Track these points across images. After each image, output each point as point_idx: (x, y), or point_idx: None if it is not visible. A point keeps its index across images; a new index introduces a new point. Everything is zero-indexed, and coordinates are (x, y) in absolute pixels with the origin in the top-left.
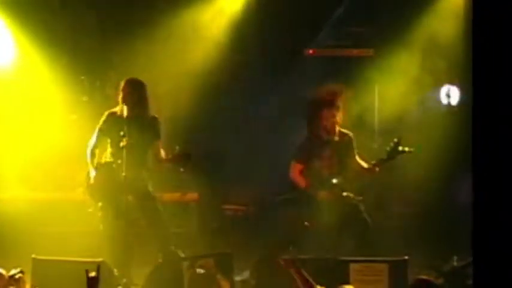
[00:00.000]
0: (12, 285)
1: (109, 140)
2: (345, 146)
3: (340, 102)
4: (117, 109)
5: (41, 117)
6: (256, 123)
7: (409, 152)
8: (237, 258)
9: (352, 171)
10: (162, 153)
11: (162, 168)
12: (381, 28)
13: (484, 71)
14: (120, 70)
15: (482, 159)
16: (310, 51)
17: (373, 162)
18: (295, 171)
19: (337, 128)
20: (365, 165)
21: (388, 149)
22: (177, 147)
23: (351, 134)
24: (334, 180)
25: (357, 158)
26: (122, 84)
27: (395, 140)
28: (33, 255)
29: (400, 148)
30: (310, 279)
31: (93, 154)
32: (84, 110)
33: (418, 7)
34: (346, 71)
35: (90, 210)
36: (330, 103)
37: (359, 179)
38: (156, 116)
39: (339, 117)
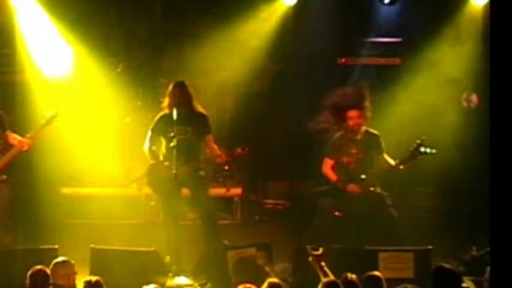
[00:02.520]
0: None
1: (162, 139)
2: (372, 144)
3: (365, 103)
4: (167, 111)
5: (99, 120)
6: (292, 126)
7: (431, 153)
8: (276, 248)
9: (378, 168)
10: (216, 148)
11: (215, 161)
12: (407, 38)
13: (501, 78)
14: (169, 77)
15: (499, 157)
16: (343, 60)
17: (396, 161)
18: (326, 166)
19: (364, 128)
20: (392, 162)
21: (411, 149)
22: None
23: (378, 133)
24: (363, 176)
25: (385, 156)
26: (170, 87)
27: (418, 141)
28: (91, 245)
29: (423, 149)
30: (332, 276)
31: (151, 152)
32: (137, 114)
33: (441, 20)
34: (375, 78)
35: (152, 203)
36: (356, 105)
37: (385, 175)
38: (204, 111)
39: (365, 117)
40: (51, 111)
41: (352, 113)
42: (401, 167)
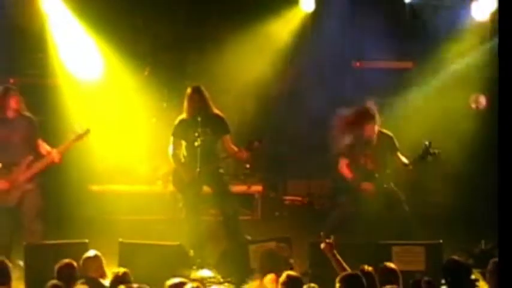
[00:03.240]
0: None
1: (183, 142)
2: (385, 145)
3: (377, 116)
4: (184, 114)
5: (127, 121)
6: (310, 127)
7: (438, 153)
8: (295, 242)
9: (392, 167)
10: (233, 146)
11: (236, 157)
12: (418, 43)
13: (508, 81)
14: (193, 80)
15: (506, 157)
16: (357, 64)
17: (407, 162)
18: (342, 165)
19: (377, 130)
20: (406, 161)
21: (420, 151)
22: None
23: (391, 134)
24: (376, 175)
25: (399, 154)
26: (189, 91)
27: (426, 143)
28: (120, 239)
29: (431, 150)
30: (344, 264)
31: (174, 156)
32: (163, 115)
33: (451, 26)
34: (388, 80)
35: (180, 205)
36: (370, 119)
37: (400, 173)
38: (220, 113)
39: (378, 125)
40: (83, 127)
41: (368, 127)
42: (411, 167)
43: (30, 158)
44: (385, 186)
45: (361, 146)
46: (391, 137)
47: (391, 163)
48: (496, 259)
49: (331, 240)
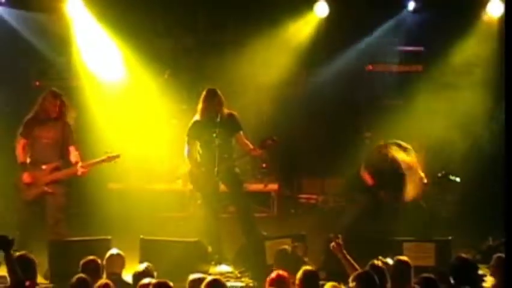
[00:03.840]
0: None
1: (197, 142)
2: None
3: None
4: (199, 116)
5: (148, 122)
6: (324, 128)
7: (455, 181)
8: (310, 238)
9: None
10: (249, 143)
11: (250, 155)
12: (428, 47)
13: None
14: (212, 82)
15: None
16: (370, 67)
17: (425, 181)
18: (364, 173)
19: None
20: (425, 180)
21: (439, 175)
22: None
23: (409, 146)
24: None
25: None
26: (204, 93)
27: (443, 172)
28: (141, 236)
29: (450, 177)
30: (354, 263)
31: (190, 157)
32: (182, 116)
33: (460, 30)
34: (399, 83)
35: (198, 202)
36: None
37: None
38: (232, 112)
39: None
40: (114, 153)
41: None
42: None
43: (57, 163)
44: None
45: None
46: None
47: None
48: (499, 254)
49: (339, 241)
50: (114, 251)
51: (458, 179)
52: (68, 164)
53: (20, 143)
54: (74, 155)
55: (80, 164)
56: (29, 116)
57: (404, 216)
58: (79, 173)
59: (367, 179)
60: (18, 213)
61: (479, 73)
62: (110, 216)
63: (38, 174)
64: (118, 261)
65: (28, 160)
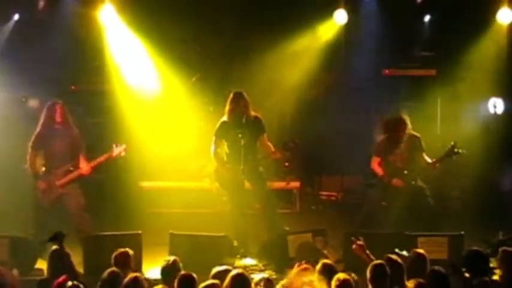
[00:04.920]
0: None
1: (224, 142)
2: (414, 145)
3: (408, 123)
4: (226, 117)
5: (177, 124)
6: (343, 128)
7: (463, 153)
8: (330, 233)
9: (419, 165)
10: (271, 146)
11: (272, 157)
12: (442, 52)
13: None
14: (238, 86)
15: None
16: (387, 71)
17: (434, 159)
18: (374, 163)
19: (408, 133)
20: (429, 160)
21: (446, 149)
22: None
23: (419, 135)
24: (405, 171)
25: (424, 155)
26: (231, 96)
27: (452, 143)
28: (170, 231)
29: (456, 150)
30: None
31: (216, 156)
32: (209, 118)
33: (471, 36)
34: (414, 87)
35: (224, 198)
36: (403, 125)
37: (425, 171)
38: (257, 114)
39: (408, 129)
40: (119, 146)
41: (400, 132)
42: (438, 164)
43: (68, 166)
44: (412, 182)
45: (392, 146)
46: (419, 138)
47: (418, 162)
48: (504, 248)
49: (361, 242)
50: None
51: (464, 151)
52: (78, 167)
53: (32, 155)
54: (82, 160)
55: (85, 164)
56: (37, 129)
57: (415, 212)
58: (83, 172)
59: (377, 169)
60: (35, 218)
61: (490, 75)
62: (141, 213)
63: (52, 179)
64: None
65: (42, 169)
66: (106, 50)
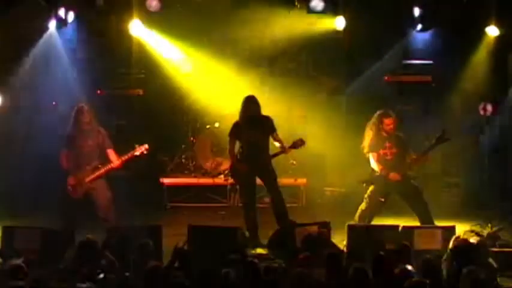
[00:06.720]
0: None
1: (238, 141)
2: (399, 143)
3: (396, 117)
4: (239, 119)
5: (196, 124)
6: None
7: (448, 139)
8: (334, 225)
9: (408, 160)
10: (282, 141)
11: (281, 153)
12: (437, 59)
13: None
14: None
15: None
16: (386, 78)
17: (423, 150)
18: (373, 159)
19: (394, 131)
20: (414, 156)
21: (436, 136)
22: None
23: (402, 135)
24: (396, 162)
25: (411, 151)
26: (244, 100)
27: (443, 129)
28: (189, 223)
29: (445, 137)
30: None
31: (231, 152)
32: (224, 120)
33: (463, 45)
34: (410, 92)
35: (238, 194)
36: (388, 117)
37: (414, 164)
38: (268, 115)
39: (395, 124)
40: (145, 146)
41: (388, 121)
42: (428, 155)
43: (96, 163)
44: (411, 181)
45: (382, 140)
46: (403, 138)
47: (407, 157)
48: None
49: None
50: None
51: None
52: (108, 162)
53: (64, 154)
54: (113, 155)
55: (116, 158)
56: (68, 131)
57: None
58: (115, 165)
59: (376, 166)
60: (64, 212)
61: (479, 81)
62: (162, 206)
63: (81, 175)
64: None
65: (74, 166)
66: (132, 57)
